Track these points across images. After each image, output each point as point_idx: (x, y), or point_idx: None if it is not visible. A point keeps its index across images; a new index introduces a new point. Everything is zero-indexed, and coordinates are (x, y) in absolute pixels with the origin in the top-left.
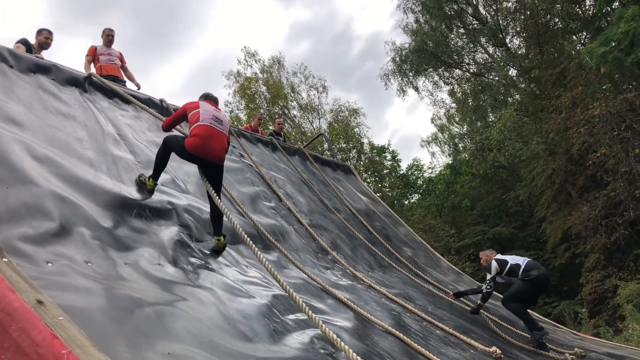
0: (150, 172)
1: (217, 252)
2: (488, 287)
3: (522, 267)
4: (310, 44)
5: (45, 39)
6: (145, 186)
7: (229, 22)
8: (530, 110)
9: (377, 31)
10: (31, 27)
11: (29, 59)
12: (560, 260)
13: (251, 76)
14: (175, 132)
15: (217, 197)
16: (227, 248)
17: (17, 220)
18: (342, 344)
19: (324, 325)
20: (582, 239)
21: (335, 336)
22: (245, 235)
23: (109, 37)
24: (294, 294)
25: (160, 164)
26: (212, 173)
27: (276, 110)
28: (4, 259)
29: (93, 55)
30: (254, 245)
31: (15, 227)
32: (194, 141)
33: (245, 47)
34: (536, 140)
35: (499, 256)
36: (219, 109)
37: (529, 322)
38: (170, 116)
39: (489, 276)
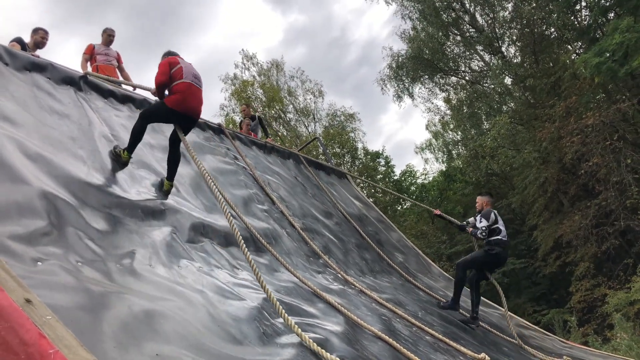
0: (143, 173)
1: (166, 192)
2: (483, 234)
3: (498, 236)
4: (305, 48)
5: (41, 38)
6: (120, 158)
7: (225, 26)
8: (524, 119)
9: (372, 37)
10: (26, 25)
11: (25, 57)
12: (551, 268)
13: (248, 79)
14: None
15: (177, 148)
16: (219, 249)
17: (7, 219)
18: (324, 352)
19: (304, 334)
20: (573, 248)
21: (316, 346)
22: (240, 237)
23: (109, 37)
24: (276, 299)
25: (136, 137)
26: (187, 127)
27: (272, 114)
28: None
29: (90, 54)
30: (245, 247)
31: (5, 226)
32: (177, 98)
33: (243, 49)
34: (529, 148)
35: (495, 213)
36: (190, 63)
37: (456, 295)
38: (160, 73)
39: (484, 223)
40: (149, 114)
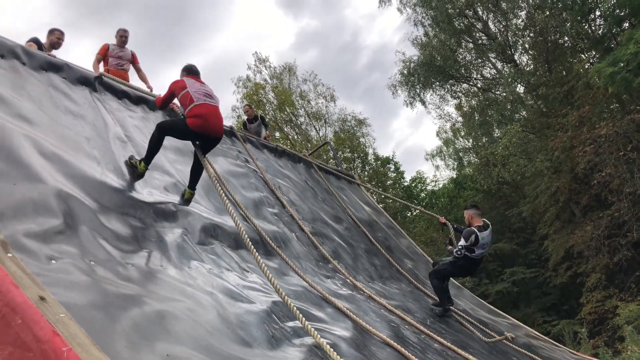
0: (156, 175)
1: (187, 200)
2: (458, 253)
3: (470, 254)
4: (316, 53)
5: (57, 39)
6: (137, 169)
7: (237, 28)
8: (536, 127)
9: (384, 43)
10: (40, 25)
11: (42, 56)
12: (562, 278)
13: (260, 82)
14: (167, 118)
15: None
16: (229, 252)
17: (22, 217)
18: (336, 354)
19: (319, 336)
20: (584, 259)
21: (329, 347)
22: (249, 241)
23: (122, 38)
24: (290, 302)
25: (154, 148)
26: (211, 146)
27: (283, 117)
28: (9, 254)
29: (104, 55)
30: (255, 251)
31: (21, 223)
32: (198, 122)
33: (256, 52)
34: (541, 157)
35: (480, 234)
36: (203, 82)
37: (440, 297)
38: (163, 96)
39: (462, 243)
40: (168, 128)
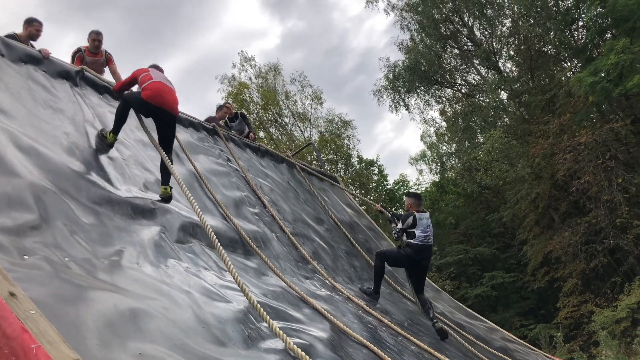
0: (136, 171)
1: (164, 199)
2: (396, 235)
3: (411, 240)
4: (303, 54)
5: (36, 30)
6: (106, 139)
7: (223, 28)
8: (518, 134)
9: (371, 46)
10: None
11: (21, 49)
12: (539, 283)
13: (245, 81)
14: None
15: (164, 152)
16: (207, 251)
17: None
18: (308, 358)
19: (288, 339)
20: (562, 264)
21: (300, 351)
22: (216, 240)
23: (95, 42)
24: (258, 305)
25: (120, 119)
26: (166, 125)
27: (268, 117)
28: None
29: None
30: (223, 251)
31: None
32: (150, 93)
33: (242, 51)
34: (522, 163)
35: (418, 216)
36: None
37: (376, 281)
38: (121, 82)
39: (399, 226)
40: (129, 101)
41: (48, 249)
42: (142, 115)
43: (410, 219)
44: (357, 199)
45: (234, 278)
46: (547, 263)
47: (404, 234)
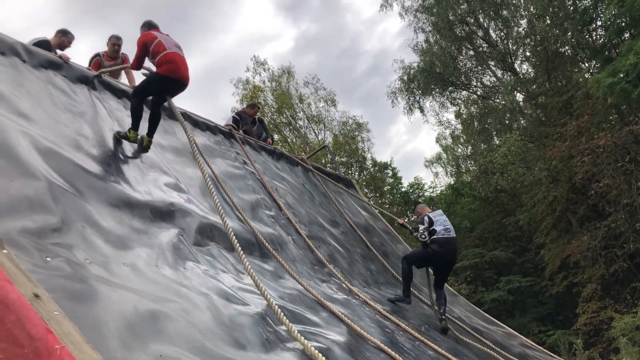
0: (154, 174)
1: (146, 148)
2: (423, 236)
3: (433, 236)
4: (316, 57)
5: (68, 42)
6: (128, 139)
7: (236, 31)
8: (535, 136)
9: (384, 48)
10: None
11: (42, 54)
12: (558, 288)
13: (259, 84)
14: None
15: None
16: (225, 254)
17: (18, 213)
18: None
19: (306, 342)
20: (581, 269)
21: (318, 353)
22: (237, 243)
23: (115, 46)
24: (277, 307)
25: (137, 115)
26: (175, 92)
27: (282, 120)
28: (4, 251)
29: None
30: (243, 255)
31: (17, 220)
32: (171, 67)
33: (255, 56)
34: (539, 166)
35: (432, 214)
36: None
37: (406, 287)
38: (134, 57)
39: (421, 227)
40: (142, 89)
41: (69, 251)
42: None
43: (425, 218)
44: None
45: (253, 280)
46: (566, 268)
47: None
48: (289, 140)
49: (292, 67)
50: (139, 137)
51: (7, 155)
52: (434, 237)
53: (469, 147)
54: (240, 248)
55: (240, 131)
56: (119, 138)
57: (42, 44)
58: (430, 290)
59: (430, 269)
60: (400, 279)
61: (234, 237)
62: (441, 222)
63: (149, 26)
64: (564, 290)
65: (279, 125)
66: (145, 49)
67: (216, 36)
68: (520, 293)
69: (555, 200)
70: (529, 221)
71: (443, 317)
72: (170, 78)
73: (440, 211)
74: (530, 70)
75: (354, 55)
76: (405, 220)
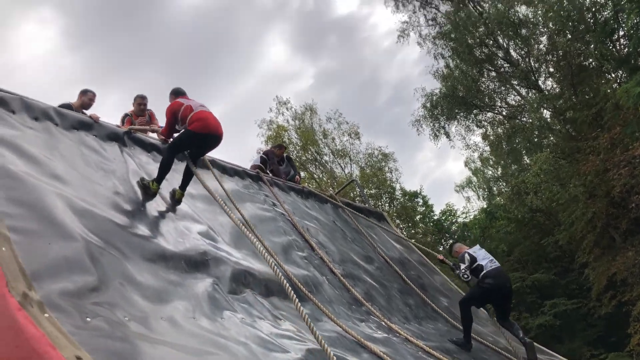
0: (186, 223)
1: (178, 200)
2: (465, 276)
3: (483, 272)
4: (336, 91)
5: (89, 100)
6: (150, 189)
7: (258, 74)
8: (566, 152)
9: (404, 76)
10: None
11: (73, 116)
12: (606, 309)
13: (282, 124)
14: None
15: (193, 164)
16: (260, 300)
17: (57, 275)
18: None
19: None
20: (629, 286)
21: None
22: (288, 285)
23: (140, 105)
24: (329, 349)
25: (165, 169)
26: (211, 147)
27: (308, 157)
28: (45, 315)
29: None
30: (295, 296)
31: (56, 282)
32: (199, 124)
33: (277, 96)
34: (574, 183)
35: (471, 251)
36: (192, 99)
37: (466, 332)
38: (165, 126)
39: (462, 266)
40: (176, 145)
41: (108, 310)
42: (191, 153)
43: (466, 256)
44: (404, 232)
45: (306, 323)
46: (613, 286)
47: (472, 273)
48: (316, 176)
49: (314, 104)
50: (157, 189)
51: (45, 218)
52: (484, 272)
53: (499, 169)
54: (292, 292)
55: (268, 171)
56: (141, 185)
57: (65, 108)
58: (500, 328)
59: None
60: (441, 312)
61: (285, 281)
62: (483, 256)
63: (176, 94)
64: (614, 310)
65: (305, 162)
66: (175, 116)
67: (238, 80)
68: (567, 316)
69: (595, 216)
70: (568, 240)
71: (524, 339)
72: (202, 134)
73: (478, 246)
74: (555, 86)
75: (375, 86)
76: (444, 258)
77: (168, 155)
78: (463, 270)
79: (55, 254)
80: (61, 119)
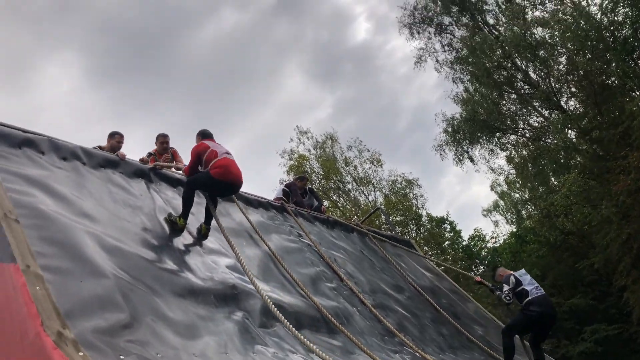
0: (214, 257)
1: (203, 236)
2: (508, 297)
3: (528, 297)
4: (355, 120)
5: (117, 142)
6: (177, 225)
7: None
8: (595, 173)
9: (423, 102)
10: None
11: (100, 154)
12: None
13: (304, 153)
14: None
15: (212, 204)
16: (290, 332)
17: (90, 313)
18: None
19: None
20: None
21: None
22: (284, 318)
23: (163, 144)
24: None
25: (187, 204)
26: (232, 193)
27: (330, 185)
28: (80, 353)
29: None
30: (303, 337)
31: (89, 320)
32: (220, 171)
33: (297, 126)
34: (606, 204)
35: (517, 274)
36: (219, 144)
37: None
38: (188, 165)
39: (506, 288)
40: (195, 182)
41: (141, 347)
42: (209, 193)
43: (512, 278)
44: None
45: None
46: None
47: (516, 297)
48: (339, 204)
49: (334, 132)
50: (184, 225)
51: (76, 257)
52: (529, 298)
53: (526, 191)
54: (295, 329)
55: (291, 203)
56: (169, 221)
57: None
58: (529, 354)
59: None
60: (477, 341)
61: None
62: (529, 281)
63: (203, 136)
64: None
65: (328, 191)
66: (199, 158)
67: (257, 111)
68: (608, 343)
69: (630, 237)
70: (604, 263)
71: None
72: (220, 181)
73: (524, 270)
74: (578, 105)
75: (393, 112)
76: (482, 279)
77: (187, 191)
78: (506, 292)
79: (87, 292)
80: (88, 157)
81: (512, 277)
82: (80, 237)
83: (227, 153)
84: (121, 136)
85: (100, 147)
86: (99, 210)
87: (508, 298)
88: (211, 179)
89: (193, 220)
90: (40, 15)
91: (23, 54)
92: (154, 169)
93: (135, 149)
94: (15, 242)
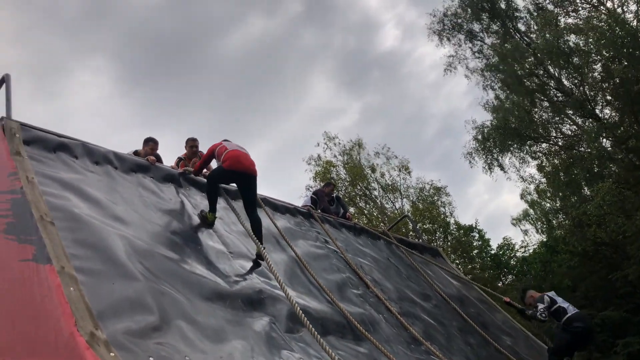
0: (241, 262)
1: (211, 223)
2: (543, 315)
3: (568, 314)
4: (383, 126)
5: (151, 149)
6: (207, 219)
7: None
8: (631, 183)
9: (452, 109)
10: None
11: (131, 159)
12: None
13: (330, 160)
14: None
15: (253, 211)
16: (317, 338)
17: (121, 315)
18: None
19: None
20: None
21: None
22: (308, 323)
23: (192, 148)
24: None
25: (211, 198)
26: (248, 185)
27: (357, 192)
28: (111, 354)
29: None
30: (322, 340)
31: (121, 322)
32: (229, 162)
33: (325, 131)
34: None
35: (549, 294)
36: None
37: None
38: (201, 159)
39: (541, 306)
40: (212, 176)
41: (170, 349)
42: (224, 184)
43: (545, 297)
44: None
45: None
46: None
47: (552, 315)
48: (366, 211)
49: (361, 138)
50: (214, 218)
51: (108, 259)
52: (568, 315)
53: (557, 201)
54: (318, 333)
55: (319, 210)
56: (201, 217)
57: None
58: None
59: None
60: (505, 351)
61: (306, 318)
62: (562, 300)
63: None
64: None
65: (354, 197)
66: (212, 154)
67: (284, 118)
68: None
69: None
70: (639, 275)
71: None
72: (231, 171)
73: (554, 292)
74: (614, 114)
75: (421, 119)
76: (511, 300)
77: (208, 186)
78: (541, 310)
79: (119, 293)
80: (120, 162)
81: (546, 297)
82: (112, 240)
83: (238, 146)
84: (155, 143)
85: (136, 152)
86: (130, 213)
87: (543, 316)
88: (224, 171)
89: (220, 224)
90: (75, 22)
91: (58, 59)
92: (183, 174)
93: (165, 155)
94: (51, 244)
